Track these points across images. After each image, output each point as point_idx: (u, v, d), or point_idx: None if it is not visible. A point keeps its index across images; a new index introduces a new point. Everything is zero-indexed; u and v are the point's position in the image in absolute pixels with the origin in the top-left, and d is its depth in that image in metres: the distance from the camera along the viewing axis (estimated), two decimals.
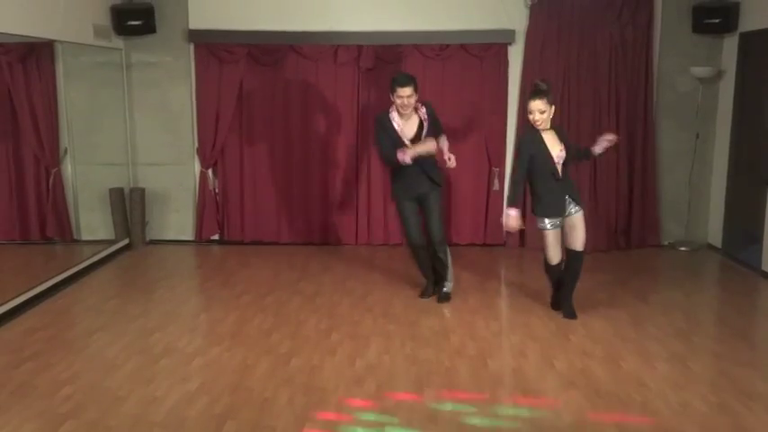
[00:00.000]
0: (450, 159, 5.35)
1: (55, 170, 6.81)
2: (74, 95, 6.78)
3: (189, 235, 7.45)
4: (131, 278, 6.44)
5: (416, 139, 5.24)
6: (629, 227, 7.22)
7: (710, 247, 7.21)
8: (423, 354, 4.48)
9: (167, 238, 7.46)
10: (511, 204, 5.00)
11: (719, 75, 6.97)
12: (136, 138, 7.32)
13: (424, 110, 5.30)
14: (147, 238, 7.38)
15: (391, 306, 5.41)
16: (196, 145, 7.28)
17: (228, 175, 7.32)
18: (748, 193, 6.61)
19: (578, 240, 4.94)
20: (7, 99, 6.66)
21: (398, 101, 5.17)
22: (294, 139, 7.20)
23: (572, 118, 6.97)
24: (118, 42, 7.04)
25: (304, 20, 7.00)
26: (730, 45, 6.85)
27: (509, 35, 6.99)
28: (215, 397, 3.86)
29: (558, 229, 4.95)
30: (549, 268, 5.10)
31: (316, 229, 7.36)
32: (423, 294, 5.60)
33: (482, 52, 7.00)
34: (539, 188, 4.91)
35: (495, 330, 4.90)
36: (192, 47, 7.13)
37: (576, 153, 5.07)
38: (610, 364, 4.33)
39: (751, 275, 6.28)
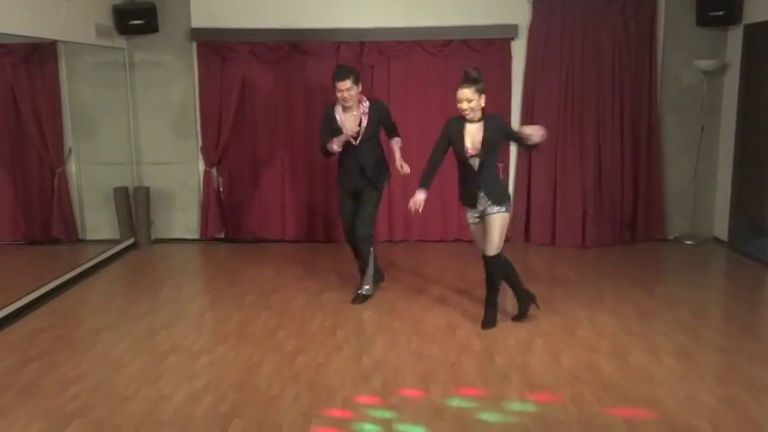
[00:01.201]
0: (402, 167, 5.18)
1: (59, 170, 6.83)
2: (77, 95, 6.80)
3: (194, 233, 7.46)
4: (137, 277, 6.45)
5: (359, 135, 5.18)
6: (635, 221, 7.20)
7: (716, 240, 7.18)
8: (428, 350, 4.48)
9: (172, 237, 7.48)
10: (420, 185, 4.74)
11: (724, 67, 6.94)
12: (140, 137, 7.33)
13: (366, 105, 5.20)
14: (153, 237, 7.39)
15: (396, 303, 5.41)
16: (200, 143, 7.28)
17: (233, 174, 7.32)
18: (754, 186, 6.59)
19: (486, 243, 4.72)
20: (11, 100, 6.68)
21: (338, 94, 5.11)
22: (297, 136, 7.20)
23: (576, 112, 6.96)
24: (120, 42, 7.05)
25: (306, 17, 6.99)
26: (735, 37, 6.82)
27: (512, 30, 6.97)
28: (221, 395, 3.87)
29: (479, 226, 4.80)
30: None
31: (320, 227, 7.36)
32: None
33: (485, 48, 6.99)
34: (459, 175, 4.81)
35: (501, 326, 4.89)
36: (194, 45, 7.13)
37: (518, 142, 4.74)
38: (616, 358, 4.32)
39: (757, 268, 6.26)
